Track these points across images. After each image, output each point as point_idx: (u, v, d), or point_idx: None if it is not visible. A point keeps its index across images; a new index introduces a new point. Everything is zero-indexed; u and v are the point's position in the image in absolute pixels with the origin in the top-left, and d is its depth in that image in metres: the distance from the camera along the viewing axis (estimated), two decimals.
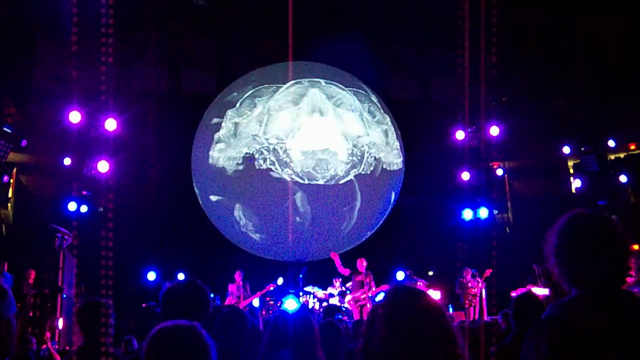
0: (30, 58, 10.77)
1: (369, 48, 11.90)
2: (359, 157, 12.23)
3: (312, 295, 10.49)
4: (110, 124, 9.77)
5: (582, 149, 11.80)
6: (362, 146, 12.28)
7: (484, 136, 11.51)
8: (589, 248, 1.73)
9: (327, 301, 10.33)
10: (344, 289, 10.39)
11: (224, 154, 11.97)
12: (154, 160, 11.25)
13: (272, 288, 10.21)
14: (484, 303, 10.49)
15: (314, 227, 12.01)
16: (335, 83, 12.51)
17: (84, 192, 10.12)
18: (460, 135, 11.43)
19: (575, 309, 1.70)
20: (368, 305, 9.60)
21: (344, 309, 9.81)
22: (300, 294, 10.39)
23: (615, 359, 1.62)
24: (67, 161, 10.20)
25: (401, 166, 12.66)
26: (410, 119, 12.58)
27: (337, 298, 10.36)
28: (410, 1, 10.86)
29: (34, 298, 8.34)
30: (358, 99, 12.55)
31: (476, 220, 11.46)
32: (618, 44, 10.93)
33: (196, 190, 12.08)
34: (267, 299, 10.55)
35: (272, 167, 11.89)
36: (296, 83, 12.32)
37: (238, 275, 10.02)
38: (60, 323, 9.17)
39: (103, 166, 9.77)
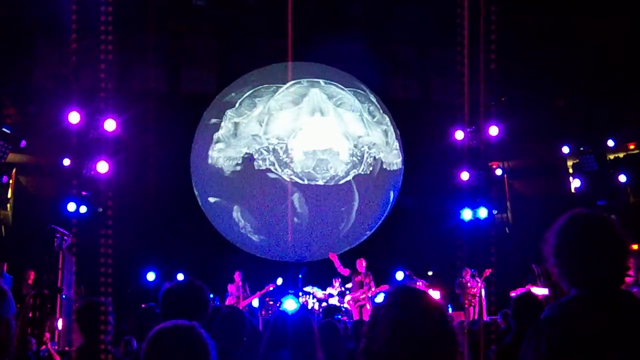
0: (30, 58, 10.77)
1: (369, 48, 11.90)
2: (359, 158, 12.23)
3: (311, 296, 10.49)
4: (110, 125, 9.76)
5: (582, 148, 11.80)
6: (362, 146, 12.28)
7: (483, 136, 11.51)
8: (588, 248, 1.73)
9: (327, 301, 10.33)
10: (343, 289, 10.39)
11: (223, 153, 11.97)
12: (153, 160, 11.24)
13: (271, 288, 10.21)
14: (484, 303, 10.49)
15: (312, 227, 12.00)
16: (335, 83, 12.51)
17: (83, 193, 10.11)
18: (459, 135, 11.43)
19: (575, 309, 1.70)
20: (367, 306, 9.60)
21: (343, 309, 9.82)
22: (300, 294, 10.39)
23: (615, 359, 1.62)
24: (66, 162, 10.20)
25: (400, 166, 12.66)
26: (410, 119, 12.58)
27: (336, 298, 10.36)
28: (410, 1, 10.86)
29: (34, 299, 8.33)
30: (358, 99, 12.55)
31: (475, 220, 11.46)
32: (618, 43, 10.92)
33: (195, 192, 12.08)
34: (267, 299, 10.55)
35: (271, 167, 11.88)
36: (296, 83, 12.32)
37: (237, 276, 10.02)
38: (60, 324, 9.17)
39: (102, 167, 9.77)
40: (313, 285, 10.66)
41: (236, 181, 11.92)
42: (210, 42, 12.20)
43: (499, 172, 12.46)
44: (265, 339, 2.87)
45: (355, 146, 12.23)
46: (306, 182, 11.97)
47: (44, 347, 7.11)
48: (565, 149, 12.12)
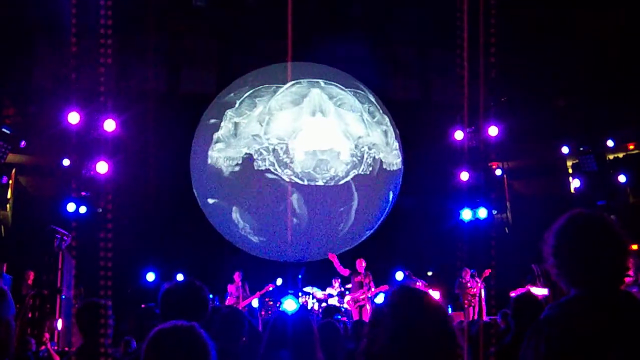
0: (30, 58, 10.76)
1: (369, 48, 11.91)
2: (359, 158, 12.24)
3: (311, 296, 10.49)
4: (109, 125, 9.76)
5: (581, 148, 11.80)
6: (362, 147, 12.29)
7: (483, 136, 11.51)
8: (588, 248, 1.73)
9: (326, 302, 10.33)
10: (343, 289, 10.39)
11: (223, 153, 11.96)
12: (153, 161, 11.24)
13: (271, 288, 10.21)
14: (483, 303, 10.49)
15: (311, 228, 12.00)
16: (335, 83, 12.51)
17: (83, 193, 10.11)
18: (459, 135, 11.44)
19: (574, 309, 1.71)
20: (367, 306, 9.60)
21: (343, 310, 9.81)
22: (300, 294, 10.39)
23: (614, 359, 1.63)
24: (66, 162, 10.20)
25: (400, 166, 12.66)
26: (410, 119, 12.58)
27: (336, 298, 10.36)
28: (410, 1, 10.86)
29: (33, 299, 8.34)
30: (358, 100, 12.55)
31: (475, 220, 11.46)
32: (618, 38, 10.87)
33: (195, 192, 12.08)
34: (267, 299, 10.55)
35: (270, 167, 11.88)
36: (296, 83, 12.32)
37: (237, 276, 10.02)
38: (59, 324, 9.16)
39: (102, 167, 9.76)
40: (313, 285, 10.66)
41: (235, 182, 11.91)
42: (210, 42, 12.20)
43: (498, 172, 12.47)
44: (265, 340, 2.87)
45: (355, 146, 12.23)
46: (306, 182, 11.96)
47: (43, 347, 7.11)
48: (565, 149, 12.12)
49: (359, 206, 12.20)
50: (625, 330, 1.65)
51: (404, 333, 1.55)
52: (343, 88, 12.49)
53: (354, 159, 12.18)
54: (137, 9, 9.59)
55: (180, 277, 9.74)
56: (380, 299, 9.34)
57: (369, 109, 12.58)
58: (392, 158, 12.58)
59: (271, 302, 10.54)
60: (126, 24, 8.50)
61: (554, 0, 10.29)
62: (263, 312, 10.37)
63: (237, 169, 11.90)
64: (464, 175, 11.41)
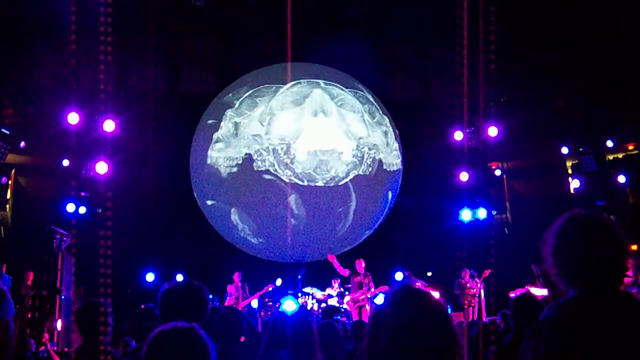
0: (30, 58, 10.74)
1: (369, 48, 11.90)
2: (359, 159, 12.24)
3: (310, 296, 10.48)
4: (109, 125, 9.76)
5: (581, 149, 11.81)
6: (363, 147, 12.29)
7: (482, 136, 11.52)
8: (587, 248, 1.73)
9: (326, 302, 10.33)
10: (342, 289, 10.39)
11: (223, 153, 11.96)
12: (153, 161, 11.24)
13: (270, 289, 10.21)
14: (483, 303, 10.49)
15: (310, 229, 12.00)
16: (335, 84, 12.51)
17: (83, 194, 10.11)
18: (459, 135, 11.44)
19: (573, 309, 1.71)
20: (367, 307, 9.60)
21: (342, 310, 9.81)
22: (299, 294, 10.39)
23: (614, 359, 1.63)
24: (65, 162, 10.20)
25: (400, 167, 12.67)
26: (409, 120, 12.58)
27: (335, 299, 10.36)
28: (409, 1, 10.86)
29: (33, 299, 8.33)
30: (358, 100, 12.55)
31: (475, 220, 11.47)
32: (618, 44, 10.91)
33: (195, 194, 12.07)
34: (266, 300, 10.55)
35: (270, 168, 11.88)
36: (297, 83, 12.32)
37: (237, 276, 10.02)
38: (59, 324, 9.17)
39: (101, 167, 9.76)
40: (312, 286, 10.66)
41: (233, 183, 11.91)
42: (209, 42, 12.19)
43: (498, 172, 12.47)
44: (264, 340, 2.87)
45: (356, 147, 12.24)
46: (306, 183, 11.96)
47: (43, 347, 7.10)
48: (565, 150, 12.12)
49: (357, 206, 12.20)
50: (625, 331, 1.65)
51: (405, 333, 1.55)
52: (343, 88, 12.50)
53: (355, 159, 12.19)
54: (137, 9, 9.58)
55: (179, 277, 9.74)
56: (379, 299, 9.34)
57: (369, 110, 12.58)
58: (392, 159, 12.58)
59: (271, 303, 10.53)
60: (126, 24, 8.48)
61: (554, 7, 10.30)
62: (262, 313, 10.36)
63: (234, 169, 11.89)
64: (464, 176, 11.42)
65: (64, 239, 9.41)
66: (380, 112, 12.68)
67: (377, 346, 1.57)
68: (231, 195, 11.93)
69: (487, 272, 10.15)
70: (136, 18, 9.86)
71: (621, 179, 11.48)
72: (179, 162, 11.91)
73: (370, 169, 12.31)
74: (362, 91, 12.67)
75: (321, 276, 10.81)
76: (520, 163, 12.78)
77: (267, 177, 11.83)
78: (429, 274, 11.72)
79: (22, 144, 10.25)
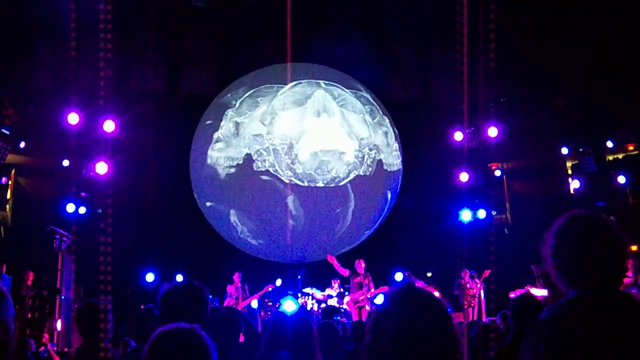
0: (30, 59, 10.75)
1: (368, 48, 11.90)
2: (360, 159, 12.25)
3: (310, 297, 10.48)
4: (109, 126, 9.75)
5: (581, 149, 11.81)
6: (364, 148, 12.30)
7: (482, 137, 11.51)
8: (587, 249, 1.73)
9: (326, 302, 10.33)
10: (342, 290, 10.39)
11: (223, 153, 11.96)
12: (153, 161, 11.24)
13: (270, 289, 10.21)
14: (483, 304, 10.49)
15: (309, 229, 11.99)
16: (336, 84, 12.51)
17: (83, 194, 10.11)
18: (459, 135, 11.43)
19: (573, 309, 1.71)
20: (367, 307, 9.60)
21: (342, 310, 9.81)
22: (299, 295, 10.39)
23: None
24: (65, 163, 10.19)
25: (400, 167, 12.66)
26: (409, 120, 12.58)
27: (335, 299, 10.36)
28: (409, 1, 10.86)
29: (33, 300, 8.32)
30: (359, 101, 12.56)
31: (475, 221, 11.46)
32: (618, 42, 10.89)
33: (194, 194, 12.07)
34: (266, 300, 10.55)
35: (270, 168, 11.88)
36: (297, 84, 12.32)
37: (237, 277, 10.02)
38: (59, 325, 9.16)
39: (101, 168, 9.76)
40: (312, 286, 10.66)
41: (231, 185, 11.90)
42: (209, 42, 12.20)
43: (498, 172, 12.46)
44: (264, 340, 2.87)
45: (358, 147, 12.25)
46: (306, 183, 11.95)
47: (43, 348, 7.10)
48: (565, 150, 12.12)
49: (356, 207, 12.20)
50: (624, 331, 1.65)
51: (406, 332, 1.54)
52: (344, 89, 12.50)
53: (356, 160, 12.19)
54: (137, 9, 9.58)
55: (179, 277, 9.74)
56: (379, 299, 9.34)
57: (369, 110, 12.58)
58: (392, 159, 12.58)
59: (270, 303, 10.53)
60: (126, 24, 8.49)
61: (554, 4, 10.29)
62: (262, 313, 10.36)
63: (232, 170, 11.88)
64: (464, 176, 11.41)
65: (64, 239, 9.41)
66: (381, 112, 12.68)
67: (377, 345, 1.57)
68: (230, 197, 11.93)
69: (487, 273, 10.15)
70: (136, 18, 9.86)
71: (621, 179, 11.48)
72: (179, 162, 11.91)
73: (370, 169, 12.31)
74: (362, 91, 12.67)
75: (321, 276, 10.81)
76: (520, 163, 12.78)
77: (266, 178, 11.83)
78: (429, 274, 11.72)
79: (22, 144, 10.25)
